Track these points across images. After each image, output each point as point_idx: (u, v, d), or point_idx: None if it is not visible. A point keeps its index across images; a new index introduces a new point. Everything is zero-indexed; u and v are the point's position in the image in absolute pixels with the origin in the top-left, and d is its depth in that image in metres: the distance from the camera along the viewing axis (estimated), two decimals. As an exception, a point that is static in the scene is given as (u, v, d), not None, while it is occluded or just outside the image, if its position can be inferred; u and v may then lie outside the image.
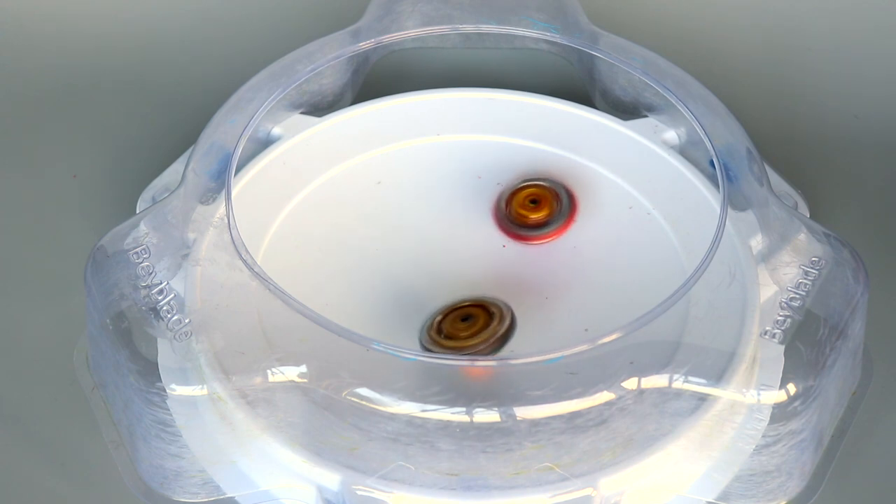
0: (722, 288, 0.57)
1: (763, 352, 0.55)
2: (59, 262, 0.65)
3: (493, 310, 0.57)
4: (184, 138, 0.67)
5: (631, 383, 0.53)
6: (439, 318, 0.57)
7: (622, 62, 0.64)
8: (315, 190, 0.63)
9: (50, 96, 0.72)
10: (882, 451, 0.59)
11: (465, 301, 0.58)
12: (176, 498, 0.56)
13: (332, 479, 0.54)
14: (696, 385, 0.54)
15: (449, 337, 0.56)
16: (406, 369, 0.53)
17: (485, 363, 0.54)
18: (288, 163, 0.63)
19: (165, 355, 0.55)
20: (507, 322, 0.57)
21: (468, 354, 0.55)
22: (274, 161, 0.63)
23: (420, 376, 0.53)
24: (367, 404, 0.53)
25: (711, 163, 0.60)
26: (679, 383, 0.54)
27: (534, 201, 0.62)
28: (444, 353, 0.56)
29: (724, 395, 0.54)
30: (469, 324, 0.57)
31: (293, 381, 0.54)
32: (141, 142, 0.70)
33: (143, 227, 0.58)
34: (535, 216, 0.61)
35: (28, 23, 0.74)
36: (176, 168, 0.64)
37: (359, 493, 0.54)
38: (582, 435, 0.53)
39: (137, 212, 0.62)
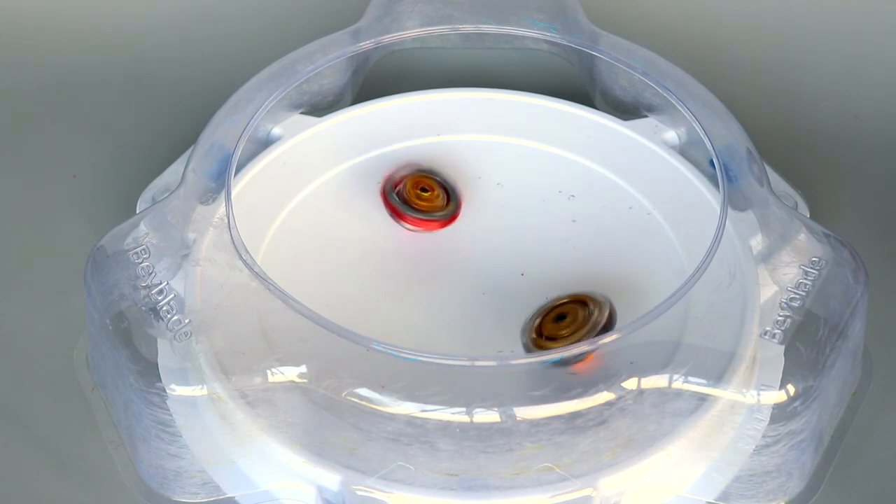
0: (722, 288, 0.57)
1: (763, 352, 0.55)
2: (59, 262, 0.65)
3: (590, 304, 0.56)
4: (184, 138, 0.67)
5: (631, 383, 0.53)
6: (538, 319, 0.56)
7: (622, 62, 0.64)
8: (315, 190, 0.63)
9: (50, 96, 0.72)
10: (882, 451, 0.59)
11: (561, 299, 0.57)
12: (176, 498, 0.56)
13: (332, 479, 0.54)
14: (696, 385, 0.54)
15: (549, 338, 0.56)
16: (406, 369, 0.53)
17: (485, 363, 0.54)
18: (288, 163, 0.63)
19: (165, 355, 0.55)
20: (605, 313, 0.56)
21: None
22: (274, 161, 0.63)
23: (420, 376, 0.53)
24: (367, 404, 0.53)
25: (711, 163, 0.60)
26: (679, 383, 0.54)
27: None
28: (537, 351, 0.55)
29: (724, 395, 0.54)
30: (567, 322, 0.56)
31: (293, 382, 0.54)
32: (141, 142, 0.70)
33: (143, 228, 0.58)
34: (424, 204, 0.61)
35: (28, 22, 0.74)
36: (176, 168, 0.64)
37: (359, 493, 0.54)
38: (582, 435, 0.53)
39: (137, 212, 0.62)
